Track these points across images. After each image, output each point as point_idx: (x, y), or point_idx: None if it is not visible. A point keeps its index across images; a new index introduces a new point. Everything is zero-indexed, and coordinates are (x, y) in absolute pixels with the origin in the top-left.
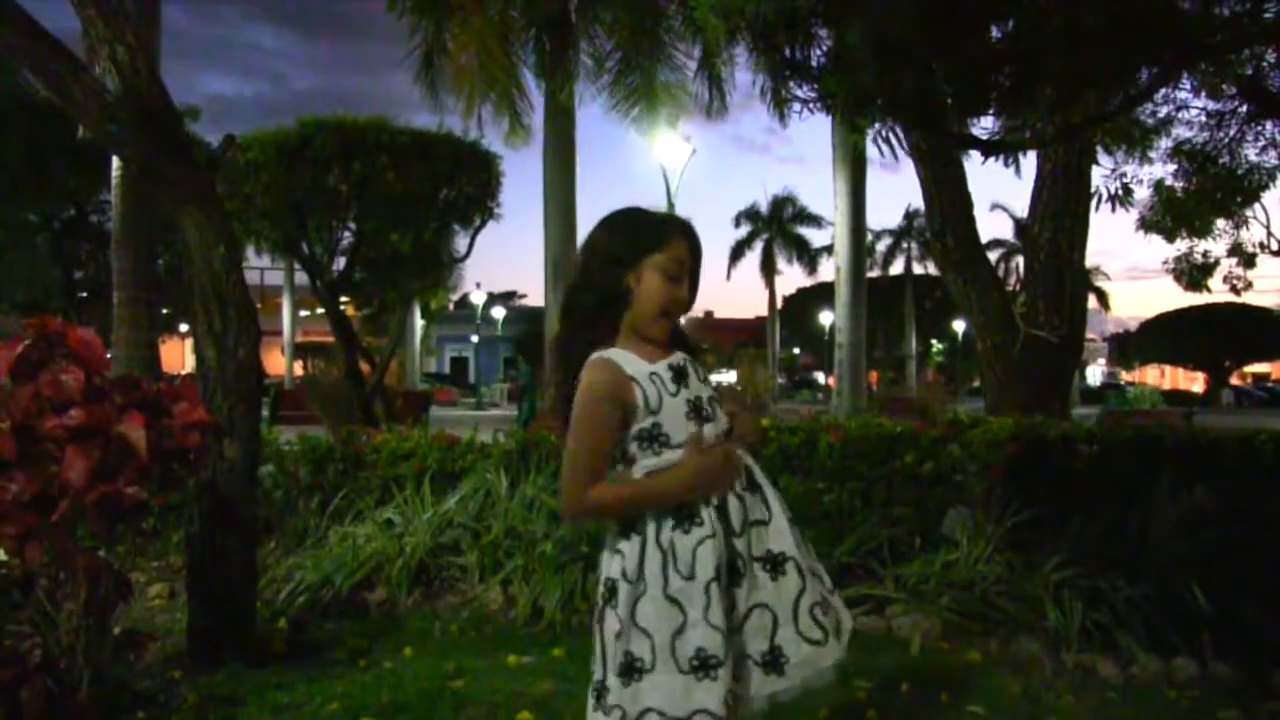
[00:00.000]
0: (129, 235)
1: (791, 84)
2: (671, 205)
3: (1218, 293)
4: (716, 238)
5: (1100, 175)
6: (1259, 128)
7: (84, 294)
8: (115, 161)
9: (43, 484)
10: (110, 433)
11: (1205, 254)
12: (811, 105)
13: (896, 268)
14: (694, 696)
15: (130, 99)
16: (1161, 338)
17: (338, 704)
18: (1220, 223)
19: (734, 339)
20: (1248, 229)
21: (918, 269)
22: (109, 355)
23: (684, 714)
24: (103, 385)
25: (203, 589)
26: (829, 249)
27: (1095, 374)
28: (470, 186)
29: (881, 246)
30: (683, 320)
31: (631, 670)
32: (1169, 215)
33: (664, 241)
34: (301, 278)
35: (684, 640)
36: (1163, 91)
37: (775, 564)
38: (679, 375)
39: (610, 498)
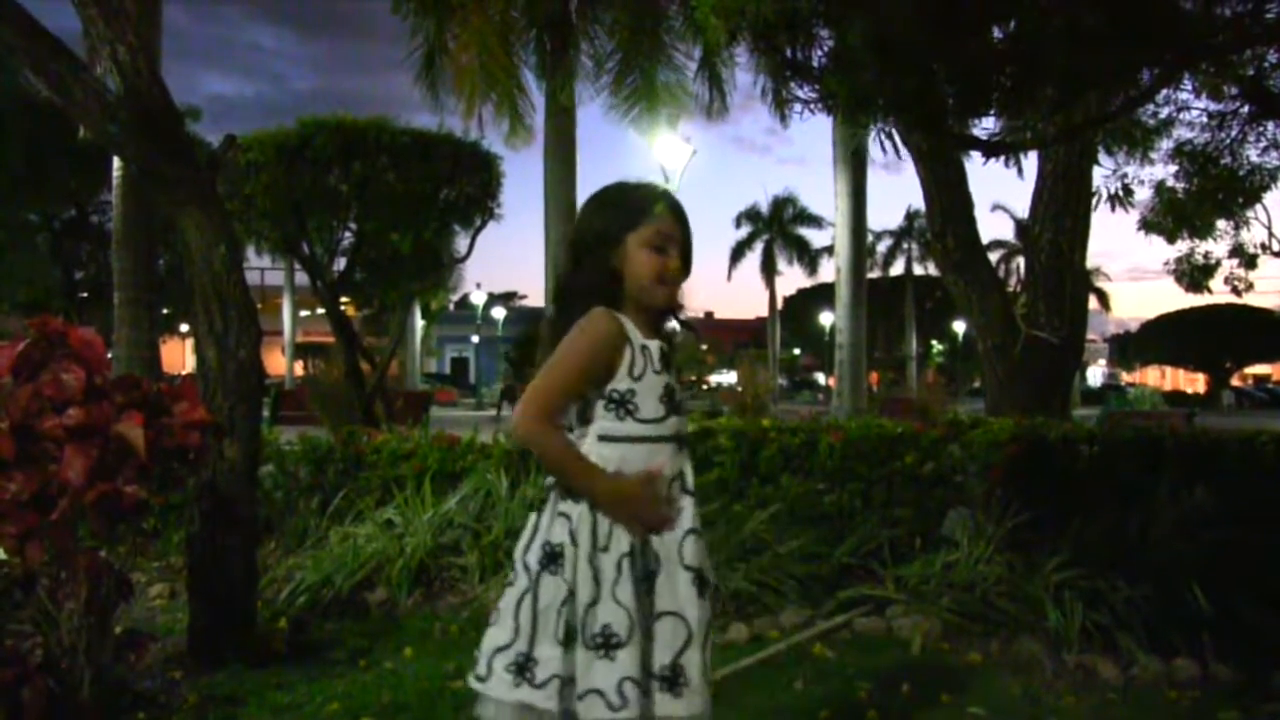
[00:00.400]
0: (130, 235)
1: (792, 84)
2: None
3: (1219, 294)
4: (717, 238)
5: (1101, 176)
6: (1260, 128)
7: (85, 294)
8: (116, 162)
9: (42, 483)
10: (109, 432)
11: (1206, 255)
12: (812, 105)
13: (897, 268)
14: (591, 675)
15: (131, 99)
16: (1162, 339)
17: (338, 704)
18: (1221, 224)
19: (734, 340)
20: (1249, 230)
21: (918, 270)
22: (110, 355)
23: (580, 690)
24: (103, 385)
25: (203, 589)
26: (829, 250)
27: (1096, 375)
28: (471, 187)
29: (882, 247)
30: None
31: (569, 639)
32: (1170, 216)
33: (643, 217)
34: (302, 278)
35: (594, 612)
36: (1164, 92)
37: (703, 583)
38: (665, 360)
39: (557, 447)
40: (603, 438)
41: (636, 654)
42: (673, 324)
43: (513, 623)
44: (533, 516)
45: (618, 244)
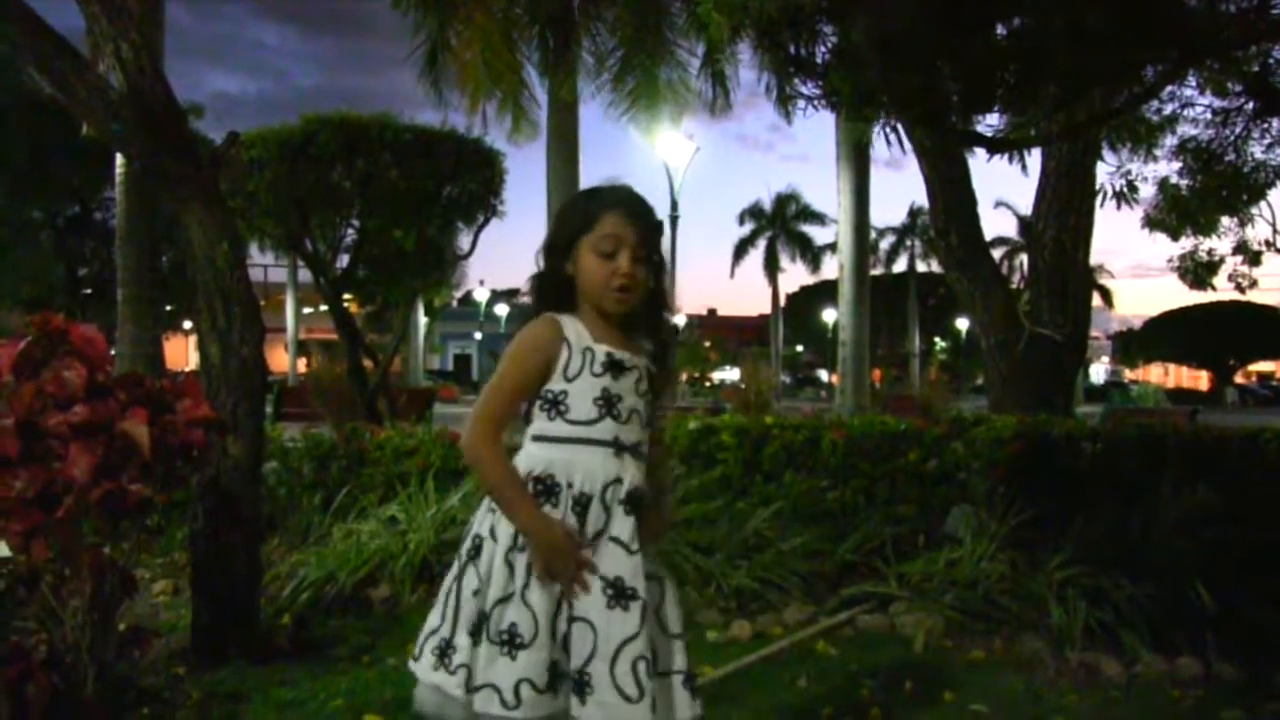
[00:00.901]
0: (133, 232)
1: (796, 81)
2: (675, 202)
3: (1222, 291)
4: (720, 235)
5: (1105, 173)
6: (1265, 125)
7: (88, 291)
8: (119, 159)
9: (46, 481)
10: (114, 429)
11: (1210, 252)
12: (816, 102)
13: (900, 265)
14: (489, 669)
15: (134, 96)
16: (1166, 336)
17: (341, 700)
18: (1225, 220)
19: (737, 337)
20: (1253, 227)
21: (921, 267)
22: (113, 352)
23: (478, 684)
24: (106, 382)
25: (207, 586)
26: (832, 247)
27: (1099, 372)
28: (474, 184)
29: (885, 244)
30: (682, 318)
31: (476, 631)
32: (1174, 213)
33: (592, 221)
34: (305, 275)
35: (503, 610)
36: (1168, 89)
37: (620, 594)
38: (613, 367)
39: (496, 470)
40: (535, 437)
41: (542, 657)
42: (673, 324)
43: (442, 608)
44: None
45: (568, 251)
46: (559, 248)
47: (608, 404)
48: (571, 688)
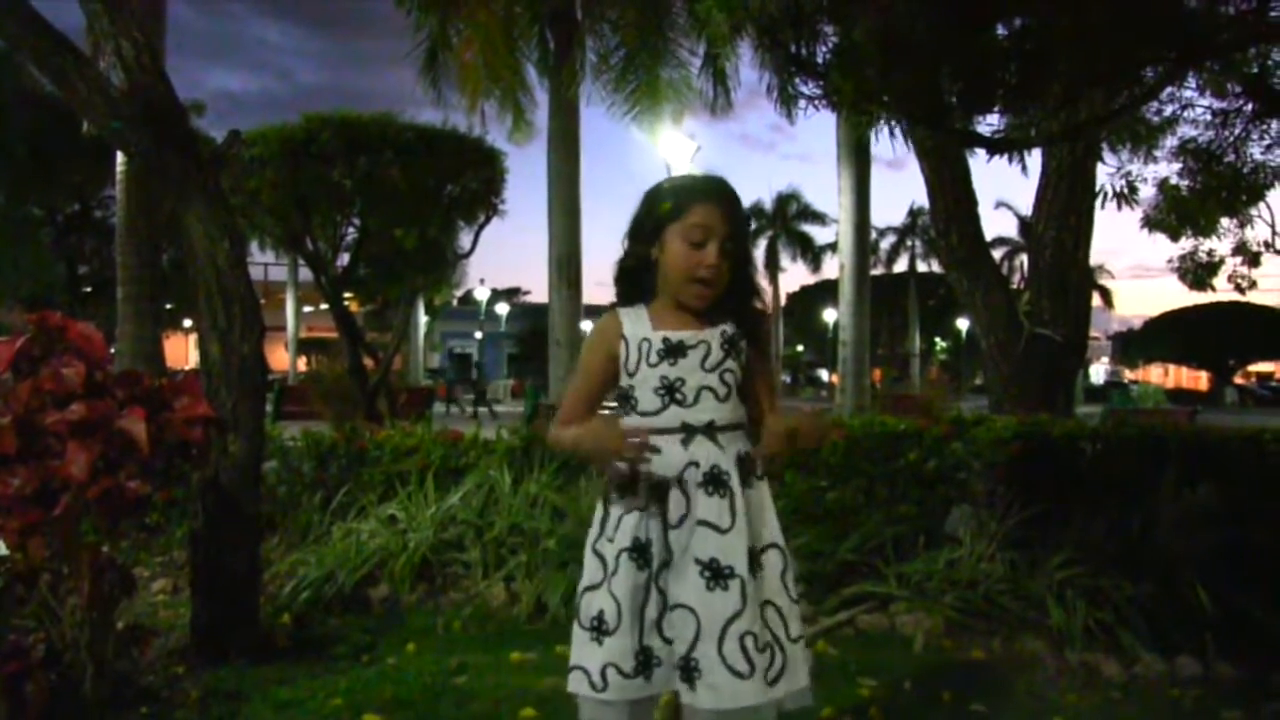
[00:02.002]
0: (133, 230)
1: (797, 80)
2: None
3: (1222, 291)
4: None
5: (1105, 173)
6: (1264, 126)
7: (88, 289)
8: (120, 156)
9: (44, 478)
10: (112, 427)
11: (1210, 253)
12: (817, 102)
13: (901, 265)
14: (581, 651)
15: (135, 94)
16: (1165, 336)
17: (341, 699)
18: (1225, 221)
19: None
20: (1252, 228)
21: (922, 267)
22: (113, 350)
23: (571, 664)
24: (104, 380)
25: (206, 584)
26: (833, 246)
27: (1099, 373)
28: (475, 182)
29: (886, 244)
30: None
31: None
32: (1174, 214)
33: (683, 210)
34: (306, 273)
35: (591, 598)
36: (1168, 90)
37: (717, 575)
38: (671, 351)
39: (555, 437)
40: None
41: (627, 644)
42: (762, 310)
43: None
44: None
45: (656, 236)
46: (646, 232)
47: (669, 391)
48: (679, 676)
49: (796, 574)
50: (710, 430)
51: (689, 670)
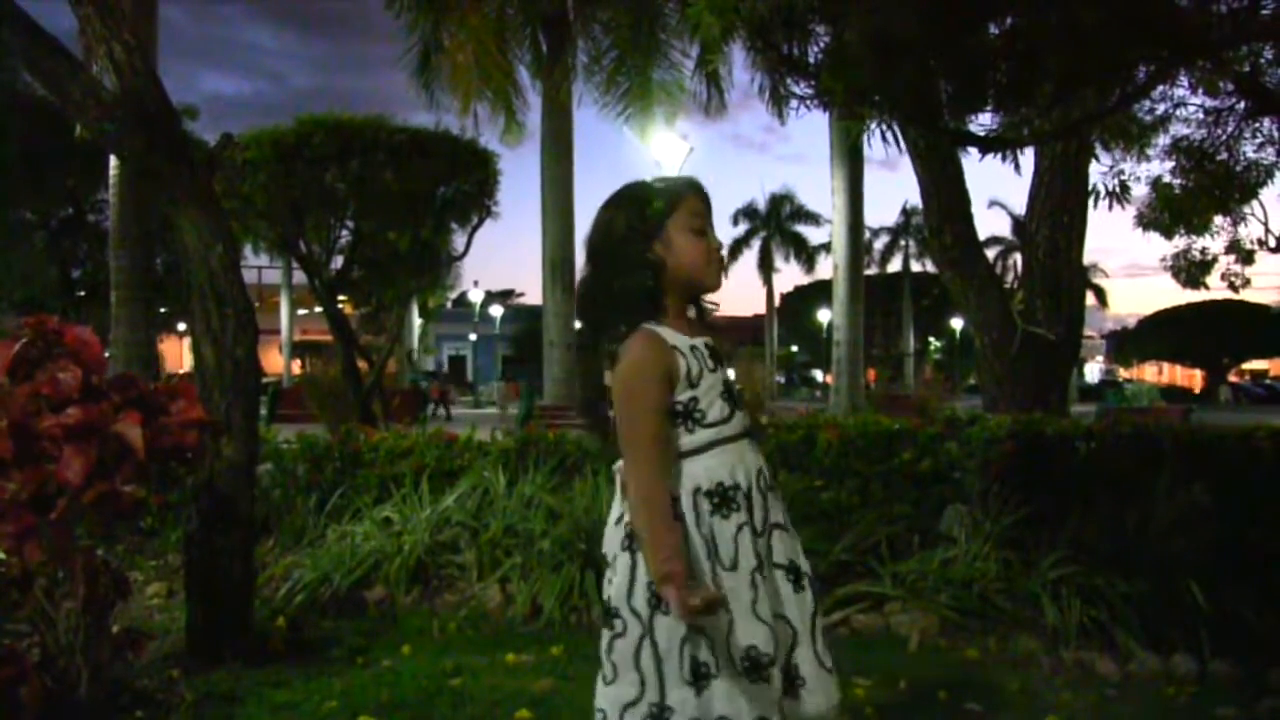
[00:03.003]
0: (127, 234)
1: (789, 81)
2: None
3: (1215, 290)
4: None
5: (1098, 172)
6: (1257, 125)
7: (82, 293)
8: (113, 160)
9: (40, 483)
10: (107, 431)
11: (1203, 251)
12: (809, 102)
13: (894, 265)
14: (753, 701)
15: (127, 98)
16: (1159, 335)
17: (336, 702)
18: (1218, 220)
19: (732, 337)
20: (1245, 226)
21: (915, 266)
22: (107, 354)
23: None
24: (100, 384)
25: (201, 587)
26: (827, 247)
27: (1094, 371)
28: (468, 185)
29: (879, 244)
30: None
31: (699, 677)
32: (1167, 212)
33: (678, 200)
34: (300, 276)
35: (734, 638)
36: (1160, 88)
37: (797, 576)
38: (715, 355)
39: (646, 512)
40: (681, 454)
41: (778, 670)
42: (707, 310)
43: (635, 674)
44: (623, 557)
45: (658, 233)
46: (643, 235)
47: (731, 396)
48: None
49: None
50: (759, 432)
51: (791, 679)
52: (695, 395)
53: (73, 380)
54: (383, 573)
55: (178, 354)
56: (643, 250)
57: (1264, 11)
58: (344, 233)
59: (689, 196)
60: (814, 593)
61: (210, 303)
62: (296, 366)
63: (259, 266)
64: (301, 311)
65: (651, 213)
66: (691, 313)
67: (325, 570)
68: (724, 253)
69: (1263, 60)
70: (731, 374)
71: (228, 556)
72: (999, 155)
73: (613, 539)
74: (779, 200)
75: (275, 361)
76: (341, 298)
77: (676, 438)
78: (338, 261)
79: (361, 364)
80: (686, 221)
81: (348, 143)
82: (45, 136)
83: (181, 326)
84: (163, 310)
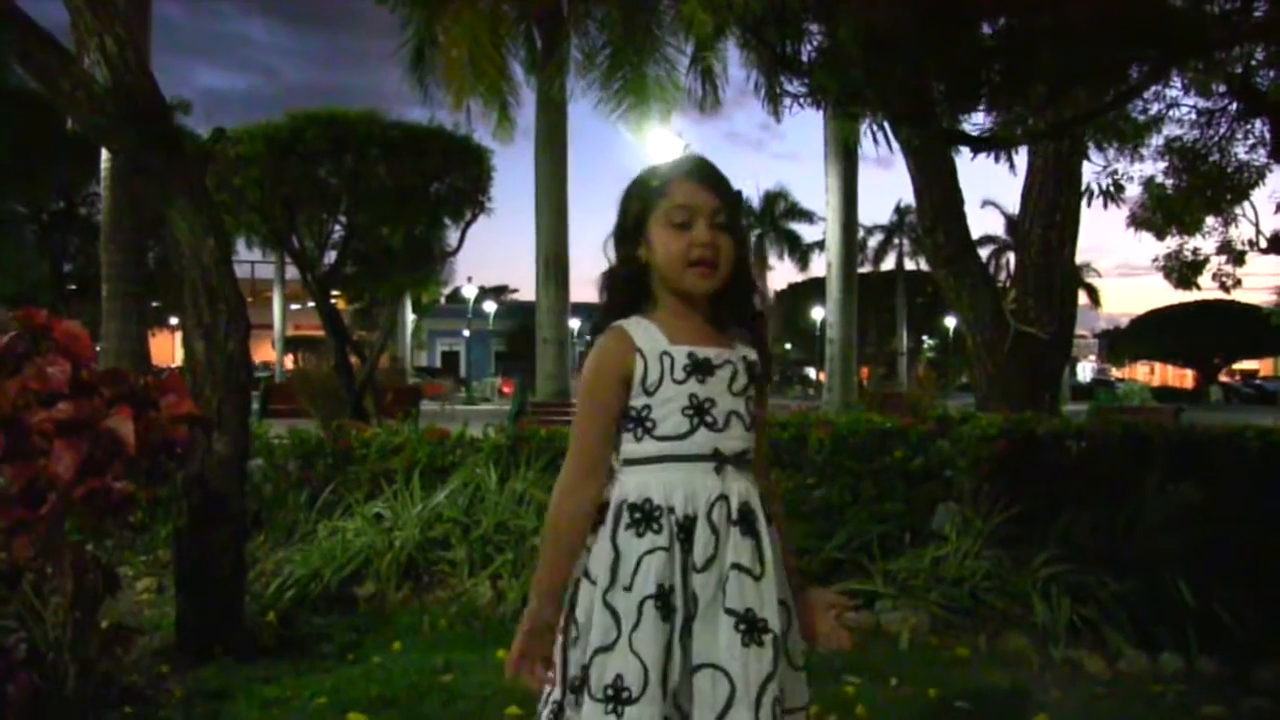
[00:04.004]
0: (118, 228)
1: (782, 79)
2: None
3: (1207, 290)
4: None
5: (1091, 172)
6: (1248, 126)
7: (73, 287)
8: (105, 154)
9: (30, 477)
10: (99, 426)
11: (1195, 251)
12: (802, 100)
13: (888, 263)
14: None
15: (119, 91)
16: (1151, 334)
17: (326, 698)
18: (1210, 220)
19: None
20: (1237, 226)
21: (909, 265)
22: (99, 348)
23: None
24: (90, 378)
25: (191, 583)
26: (821, 245)
27: (1086, 370)
28: (461, 180)
29: (873, 242)
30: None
31: (575, 690)
32: (1159, 212)
33: (661, 195)
34: (292, 271)
35: (605, 661)
36: (1153, 89)
37: (753, 628)
38: (699, 368)
39: (555, 518)
40: (625, 462)
41: (653, 713)
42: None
43: (556, 668)
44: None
45: (640, 232)
46: (628, 232)
47: (699, 412)
48: None
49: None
50: (741, 461)
51: None
52: (648, 404)
53: (61, 374)
54: (373, 569)
55: (170, 349)
56: (629, 251)
57: (1256, 14)
58: (337, 228)
59: (677, 185)
60: (776, 653)
61: (202, 297)
62: (289, 361)
63: (252, 261)
64: (295, 306)
65: (636, 210)
66: (685, 311)
67: (316, 566)
68: (720, 242)
69: (1254, 62)
70: (721, 392)
71: (218, 552)
72: (992, 154)
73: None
74: (773, 197)
75: (268, 356)
76: (334, 293)
77: (621, 444)
78: (331, 256)
79: (353, 359)
80: (666, 215)
81: (341, 138)
82: (37, 130)
83: (174, 321)
84: (155, 305)
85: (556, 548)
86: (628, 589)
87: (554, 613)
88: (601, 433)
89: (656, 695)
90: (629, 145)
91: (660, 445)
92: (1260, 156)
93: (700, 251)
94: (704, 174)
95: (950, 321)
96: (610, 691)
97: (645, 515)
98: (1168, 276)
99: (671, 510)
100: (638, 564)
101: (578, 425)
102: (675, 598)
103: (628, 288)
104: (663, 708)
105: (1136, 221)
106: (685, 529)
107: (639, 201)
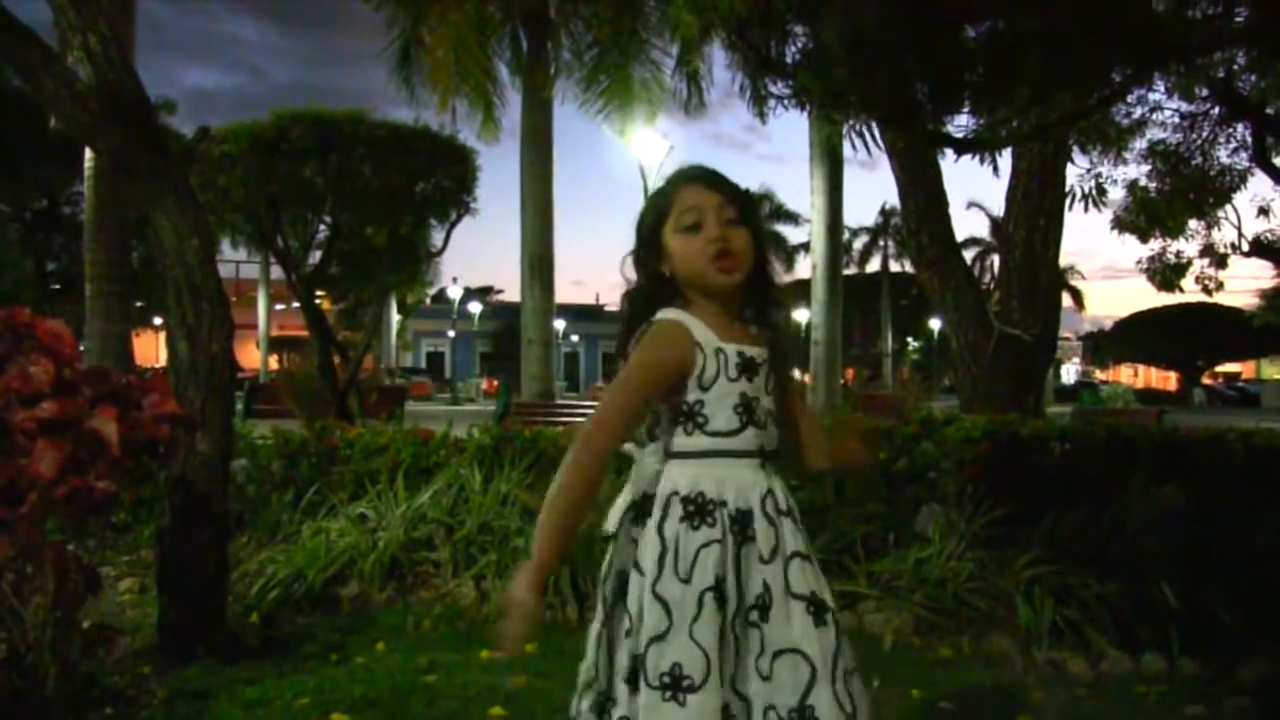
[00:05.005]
0: (102, 227)
1: (767, 80)
2: None
3: (1190, 293)
4: None
5: (1075, 175)
6: (1230, 130)
7: (57, 286)
8: (88, 153)
9: (11, 477)
10: (82, 426)
11: (1178, 254)
12: (786, 102)
13: (873, 265)
14: (655, 718)
15: (103, 89)
16: (1135, 337)
17: (309, 699)
18: (1193, 223)
19: None
20: (1219, 230)
21: (894, 267)
22: (82, 348)
23: None
24: (73, 378)
25: (174, 583)
26: (806, 246)
27: (1070, 373)
28: (447, 181)
29: (858, 244)
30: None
31: (633, 677)
32: (1142, 215)
33: (669, 203)
34: (277, 271)
35: (661, 650)
36: (1136, 93)
37: (820, 609)
38: (748, 367)
39: (570, 477)
40: (672, 454)
41: (716, 702)
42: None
43: (594, 657)
44: (611, 545)
45: (657, 248)
46: (647, 248)
47: (748, 410)
48: None
49: None
50: (776, 457)
51: None
52: (702, 399)
53: (44, 374)
54: (357, 569)
55: (154, 348)
56: (651, 266)
57: (1238, 18)
58: (322, 228)
59: (682, 192)
60: (838, 629)
61: (186, 297)
62: (274, 361)
63: (236, 261)
64: (279, 306)
65: (648, 226)
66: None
67: (299, 566)
68: (733, 236)
69: (1237, 66)
70: (762, 391)
71: (201, 552)
72: (976, 156)
73: (612, 519)
74: (758, 199)
75: (252, 356)
76: (319, 293)
77: (671, 436)
78: (315, 256)
79: (337, 359)
80: (677, 222)
81: (326, 137)
82: (20, 128)
83: (158, 321)
84: (139, 304)
85: (563, 522)
86: (685, 581)
87: (556, 568)
88: (638, 403)
89: (716, 683)
90: (615, 147)
91: (713, 441)
92: (1242, 160)
93: (715, 245)
94: (706, 176)
95: (935, 323)
96: (668, 679)
97: (699, 508)
98: (1151, 279)
99: (724, 504)
100: (695, 556)
101: (622, 391)
102: (729, 588)
103: (649, 304)
104: (722, 694)
105: (1120, 224)
106: (739, 522)
107: (651, 216)
